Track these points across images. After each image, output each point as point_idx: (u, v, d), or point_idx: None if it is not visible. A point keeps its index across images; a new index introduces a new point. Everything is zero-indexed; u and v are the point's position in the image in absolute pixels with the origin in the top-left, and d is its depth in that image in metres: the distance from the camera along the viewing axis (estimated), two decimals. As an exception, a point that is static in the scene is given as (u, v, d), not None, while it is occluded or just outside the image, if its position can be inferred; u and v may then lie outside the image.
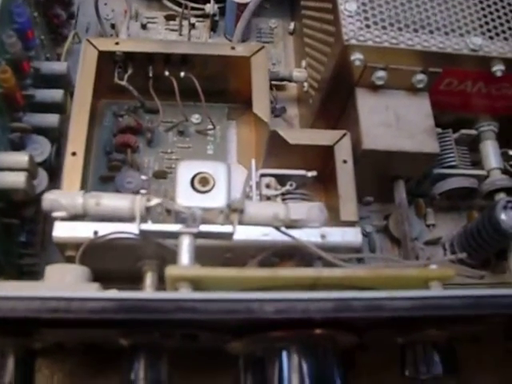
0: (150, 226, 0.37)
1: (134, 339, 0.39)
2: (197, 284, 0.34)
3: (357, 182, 0.49)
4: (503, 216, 0.46)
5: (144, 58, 0.50)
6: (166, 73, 0.51)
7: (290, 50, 0.61)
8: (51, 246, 0.48)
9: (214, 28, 0.59)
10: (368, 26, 0.44)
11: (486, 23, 0.47)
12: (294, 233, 0.40)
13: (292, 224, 0.39)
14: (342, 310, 0.34)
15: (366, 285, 0.37)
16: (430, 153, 0.46)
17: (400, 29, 0.45)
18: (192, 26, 0.59)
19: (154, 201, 0.37)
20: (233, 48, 0.50)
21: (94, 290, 0.35)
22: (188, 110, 0.53)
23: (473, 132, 0.53)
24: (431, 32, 0.45)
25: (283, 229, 0.39)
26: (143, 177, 0.51)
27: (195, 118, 0.54)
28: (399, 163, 0.48)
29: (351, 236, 0.43)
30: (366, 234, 0.52)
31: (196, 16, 0.59)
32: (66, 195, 0.37)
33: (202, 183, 0.44)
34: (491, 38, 0.46)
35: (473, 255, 0.50)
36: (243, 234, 0.40)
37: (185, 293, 0.33)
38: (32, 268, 0.49)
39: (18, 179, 0.39)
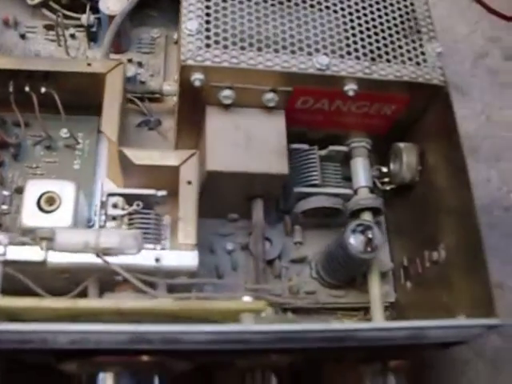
0: None
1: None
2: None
3: (219, 198, 0.49)
4: (352, 240, 0.45)
5: (5, 74, 0.49)
6: (27, 88, 0.50)
7: (173, 60, 0.59)
8: None
9: (93, 39, 0.58)
10: (208, 46, 0.43)
11: (339, 41, 0.46)
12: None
13: (105, 252, 0.38)
14: (137, 341, 0.34)
15: (173, 317, 0.36)
16: (278, 174, 0.45)
17: (243, 48, 0.44)
18: (71, 36, 0.58)
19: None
20: (89, 64, 0.49)
21: None
22: (57, 124, 0.53)
23: (343, 148, 0.52)
24: (276, 51, 0.44)
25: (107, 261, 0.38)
26: (5, 192, 0.50)
27: (64, 132, 0.53)
28: (251, 184, 0.47)
29: (188, 260, 0.42)
30: (229, 252, 0.52)
31: (76, 26, 0.58)
32: None
33: (48, 202, 0.44)
34: (342, 56, 0.45)
35: (334, 277, 0.50)
36: (60, 257, 0.39)
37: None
38: None
39: None
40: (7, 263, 0.37)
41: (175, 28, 0.60)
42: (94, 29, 0.57)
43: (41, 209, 0.44)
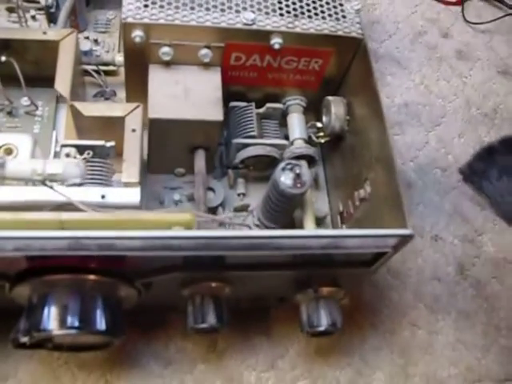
0: None
1: None
2: None
3: (165, 153, 0.54)
4: (282, 177, 0.49)
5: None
6: (-13, 57, 0.55)
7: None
8: None
9: (53, 20, 0.63)
10: (146, 6, 0.49)
11: (264, 0, 0.51)
12: (75, 190, 0.44)
13: (51, 178, 0.43)
14: (76, 247, 0.38)
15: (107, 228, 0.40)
16: (213, 120, 0.50)
17: (177, 7, 0.49)
18: (33, 18, 0.63)
19: None
20: (44, 33, 0.54)
21: None
22: (19, 93, 0.57)
23: (279, 106, 0.57)
24: (208, 9, 0.50)
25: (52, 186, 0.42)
26: None
27: (24, 100, 0.58)
28: (191, 133, 0.52)
29: (131, 196, 0.47)
30: (176, 203, 0.56)
31: (37, 9, 0.64)
32: None
33: (7, 152, 0.49)
34: (267, 13, 0.51)
35: (272, 219, 0.54)
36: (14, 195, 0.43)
37: None
38: None
39: None
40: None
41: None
42: (52, 10, 0.62)
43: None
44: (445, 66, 0.75)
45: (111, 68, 0.61)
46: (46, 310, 0.42)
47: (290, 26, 0.50)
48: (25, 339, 0.43)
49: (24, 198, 0.44)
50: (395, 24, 0.77)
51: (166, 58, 0.50)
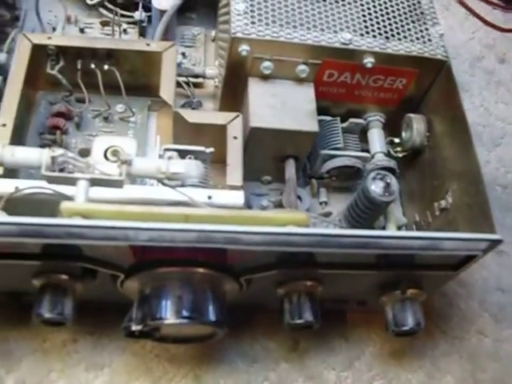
0: (51, 173, 0.44)
1: (45, 279, 0.45)
2: (87, 218, 0.41)
3: (254, 161, 0.57)
4: (373, 186, 0.53)
5: (73, 52, 0.58)
6: (92, 65, 0.58)
7: (211, 54, 0.69)
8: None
9: (143, 33, 0.67)
10: (253, 23, 0.53)
11: (359, 22, 0.55)
12: (185, 190, 0.47)
13: (173, 177, 0.46)
14: (204, 240, 0.41)
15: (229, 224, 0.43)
16: (309, 131, 0.54)
17: (281, 25, 0.53)
18: (124, 31, 0.67)
19: (58, 152, 0.44)
20: (148, 44, 0.58)
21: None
22: (114, 101, 0.61)
23: (361, 121, 0.61)
24: (308, 29, 0.54)
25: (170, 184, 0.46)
26: (69, 154, 0.58)
27: (119, 107, 0.62)
28: (285, 142, 0.55)
29: (235, 198, 0.50)
30: (263, 208, 0.59)
31: (128, 23, 0.68)
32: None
33: (113, 154, 0.52)
34: (362, 35, 0.54)
35: (355, 227, 0.57)
36: (138, 192, 0.47)
37: (69, 220, 0.40)
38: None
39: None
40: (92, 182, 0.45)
41: (212, 28, 0.70)
42: (144, 24, 0.66)
43: (107, 159, 0.52)
44: (503, 90, 0.79)
45: (199, 80, 0.65)
46: (162, 301, 0.45)
47: (383, 47, 0.54)
48: (137, 328, 0.46)
49: (147, 196, 0.47)
50: (455, 49, 0.81)
51: (266, 72, 0.54)
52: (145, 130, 0.61)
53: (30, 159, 0.45)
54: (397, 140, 0.61)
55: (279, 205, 0.59)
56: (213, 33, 0.70)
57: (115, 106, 0.62)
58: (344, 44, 0.53)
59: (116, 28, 0.66)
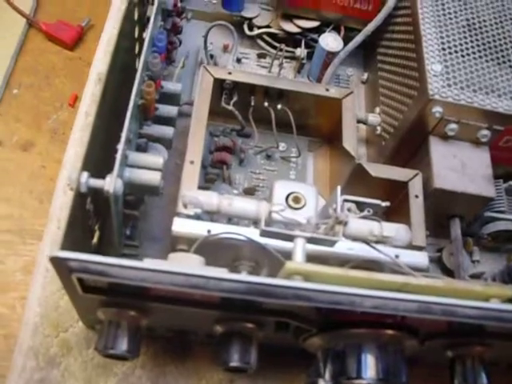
0: (271, 228, 0.44)
1: (230, 326, 0.46)
2: (307, 278, 0.42)
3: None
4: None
5: (248, 88, 0.59)
6: (266, 103, 0.59)
7: (361, 96, 0.69)
8: (146, 241, 0.56)
9: (299, 70, 0.68)
10: (449, 86, 0.53)
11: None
12: (372, 251, 0.48)
13: (382, 240, 0.47)
14: (423, 311, 0.42)
15: (441, 295, 0.44)
16: (487, 196, 0.54)
17: (474, 91, 0.54)
18: (280, 65, 0.68)
19: (277, 207, 0.44)
20: (327, 90, 0.58)
21: (225, 273, 0.42)
22: (269, 138, 0.62)
23: (522, 183, 0.61)
24: (499, 96, 0.54)
25: (374, 244, 0.46)
26: (235, 191, 0.59)
27: (282, 145, 0.62)
28: (459, 203, 0.56)
29: (420, 258, 0.51)
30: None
31: (285, 57, 0.68)
32: (203, 194, 0.45)
33: (295, 201, 0.52)
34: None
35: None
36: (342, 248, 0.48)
37: (303, 283, 0.41)
38: (132, 258, 0.56)
39: (155, 177, 0.46)
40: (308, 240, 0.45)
41: (362, 70, 0.71)
42: (304, 61, 0.67)
43: (288, 205, 0.52)
44: None
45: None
46: (360, 360, 0.46)
47: None
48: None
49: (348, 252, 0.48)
50: None
51: (451, 134, 0.55)
52: (304, 172, 0.62)
53: (248, 211, 0.46)
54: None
55: (437, 260, 0.60)
56: (364, 75, 0.70)
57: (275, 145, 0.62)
58: (533, 115, 0.54)
59: (280, 61, 0.66)
